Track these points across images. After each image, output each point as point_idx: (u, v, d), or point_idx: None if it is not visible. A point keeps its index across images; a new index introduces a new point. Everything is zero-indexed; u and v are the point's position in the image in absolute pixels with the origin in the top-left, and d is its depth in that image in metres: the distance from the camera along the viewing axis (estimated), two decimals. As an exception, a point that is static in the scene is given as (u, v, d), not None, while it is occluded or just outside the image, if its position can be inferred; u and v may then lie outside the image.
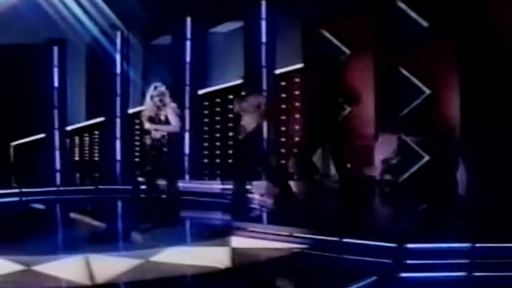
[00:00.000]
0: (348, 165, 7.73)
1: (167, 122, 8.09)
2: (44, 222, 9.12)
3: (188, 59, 12.20)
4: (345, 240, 6.24)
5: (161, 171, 8.26)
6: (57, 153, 12.92)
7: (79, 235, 7.83)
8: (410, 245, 5.92)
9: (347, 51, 10.55)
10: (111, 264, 5.87)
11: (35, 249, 6.55)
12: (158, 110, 8.08)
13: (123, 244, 7.48)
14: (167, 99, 8.13)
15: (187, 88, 12.20)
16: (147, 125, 8.18)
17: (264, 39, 11.31)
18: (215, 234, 7.17)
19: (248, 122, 8.35)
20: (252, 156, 8.40)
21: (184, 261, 6.04)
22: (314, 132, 7.36)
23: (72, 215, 9.89)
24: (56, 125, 12.99)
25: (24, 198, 10.32)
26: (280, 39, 11.34)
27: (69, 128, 13.51)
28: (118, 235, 7.95)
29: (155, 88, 8.13)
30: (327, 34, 10.70)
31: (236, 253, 6.38)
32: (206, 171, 12.17)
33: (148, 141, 8.25)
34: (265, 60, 11.31)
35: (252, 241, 6.72)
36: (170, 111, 8.11)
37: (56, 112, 12.94)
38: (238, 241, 6.73)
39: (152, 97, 8.08)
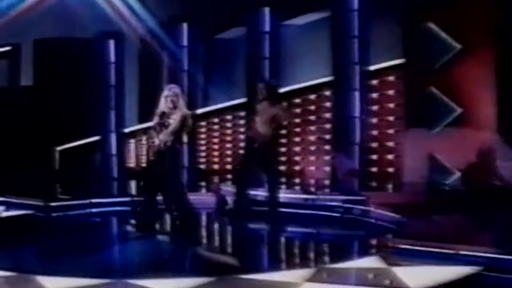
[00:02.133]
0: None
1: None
2: (139, 239, 7.84)
3: (267, 54, 10.95)
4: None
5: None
6: (114, 159, 11.66)
7: (197, 254, 6.65)
8: None
9: (457, 46, 9.36)
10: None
11: (157, 272, 5.39)
12: (168, 114, 7.28)
13: (257, 264, 6.29)
14: (181, 102, 7.36)
15: (265, 87, 10.95)
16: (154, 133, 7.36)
17: (356, 32, 10.07)
18: (360, 253, 6.04)
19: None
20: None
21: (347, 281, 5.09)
22: None
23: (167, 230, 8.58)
24: (112, 127, 11.75)
25: (93, 210, 8.98)
26: (374, 33, 10.14)
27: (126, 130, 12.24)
28: (240, 251, 6.92)
29: (170, 89, 7.38)
30: (434, 27, 9.50)
31: (401, 274, 5.17)
32: (283, 179, 10.88)
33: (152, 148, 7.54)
34: (357, 56, 10.09)
35: (404, 259, 5.55)
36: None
37: (112, 112, 11.71)
38: (390, 260, 5.57)
39: (166, 99, 7.26)
